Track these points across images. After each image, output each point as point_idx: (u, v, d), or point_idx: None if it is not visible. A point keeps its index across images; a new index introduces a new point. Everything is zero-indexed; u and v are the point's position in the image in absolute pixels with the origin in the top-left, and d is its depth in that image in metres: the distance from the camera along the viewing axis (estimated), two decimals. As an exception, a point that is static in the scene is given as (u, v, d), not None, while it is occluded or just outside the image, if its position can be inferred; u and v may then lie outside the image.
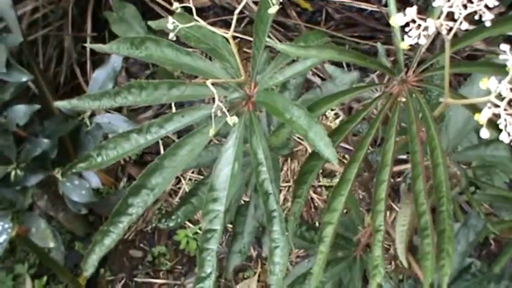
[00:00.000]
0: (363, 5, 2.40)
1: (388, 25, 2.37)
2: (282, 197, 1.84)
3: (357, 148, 0.77)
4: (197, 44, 0.90)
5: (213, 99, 0.77)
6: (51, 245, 1.48)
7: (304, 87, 1.13)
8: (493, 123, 0.60)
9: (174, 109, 2.15)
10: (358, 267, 1.03)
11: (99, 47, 0.96)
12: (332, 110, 1.79)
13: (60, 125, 1.50)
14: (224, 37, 0.87)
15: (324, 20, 2.46)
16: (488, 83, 0.59)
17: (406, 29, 0.64)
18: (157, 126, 0.87)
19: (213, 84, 0.76)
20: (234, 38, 2.24)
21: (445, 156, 0.72)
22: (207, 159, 1.02)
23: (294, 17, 2.39)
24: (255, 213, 1.05)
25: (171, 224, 1.08)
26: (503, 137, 0.58)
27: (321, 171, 1.98)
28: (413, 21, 0.64)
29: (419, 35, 0.63)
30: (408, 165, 0.87)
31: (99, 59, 2.28)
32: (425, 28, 0.63)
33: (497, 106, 0.59)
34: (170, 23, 0.83)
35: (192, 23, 0.83)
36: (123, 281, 1.98)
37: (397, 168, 0.95)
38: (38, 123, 1.58)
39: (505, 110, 0.58)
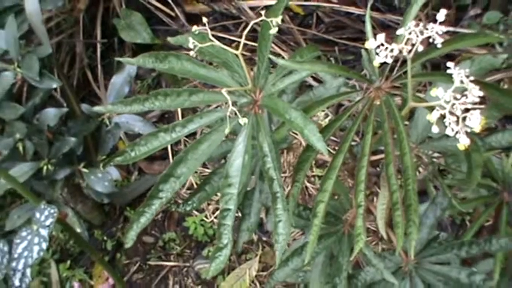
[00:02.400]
0: (351, 9, 2.59)
1: (373, 27, 2.58)
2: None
3: (342, 141, 0.97)
4: (211, 59, 1.08)
5: (223, 103, 0.96)
6: (78, 230, 1.67)
7: (300, 87, 1.32)
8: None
9: (179, 111, 2.33)
10: (346, 241, 1.22)
11: (128, 60, 1.12)
12: (323, 110, 1.99)
13: (83, 125, 1.69)
14: (234, 53, 1.05)
15: (315, 23, 2.64)
16: (437, 91, 0.79)
17: (377, 50, 0.84)
18: (180, 126, 1.05)
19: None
20: (231, 42, 2.45)
21: (410, 146, 0.92)
22: (220, 152, 1.22)
23: (287, 21, 2.58)
24: (259, 197, 1.24)
25: (188, 209, 1.26)
26: (448, 132, 0.78)
27: (314, 162, 2.19)
28: (383, 44, 0.84)
29: (387, 55, 0.83)
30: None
31: (108, 64, 2.47)
32: (391, 50, 0.83)
33: (444, 108, 0.79)
34: (191, 43, 1.01)
35: (208, 43, 1.01)
36: (137, 264, 2.16)
37: (378, 157, 1.15)
38: (61, 124, 1.77)
39: (449, 112, 0.78)
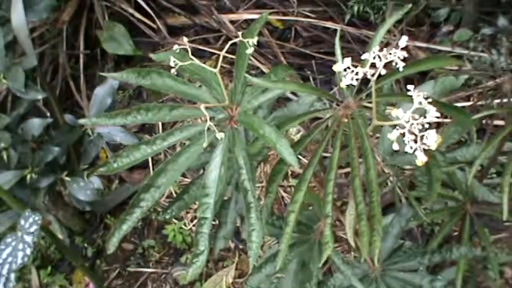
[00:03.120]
0: (328, 24, 2.67)
1: (349, 42, 2.65)
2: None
3: (313, 155, 1.04)
4: (191, 76, 1.14)
5: (202, 118, 1.02)
6: (60, 237, 1.72)
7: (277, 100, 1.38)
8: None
9: (160, 123, 2.39)
10: (317, 248, 1.29)
11: (112, 75, 1.16)
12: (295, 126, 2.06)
13: (67, 134, 1.74)
14: (212, 71, 1.11)
15: (293, 37, 2.72)
16: (397, 112, 0.86)
17: (344, 73, 0.91)
18: (161, 139, 1.10)
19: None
20: (212, 54, 2.51)
21: (375, 161, 0.99)
22: (198, 164, 1.28)
23: (266, 34, 2.64)
24: (235, 206, 1.30)
25: (167, 217, 1.31)
26: (407, 149, 0.86)
27: (290, 173, 2.26)
28: (349, 68, 0.91)
29: (353, 78, 0.90)
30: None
31: (90, 74, 2.52)
32: (357, 73, 0.90)
33: (403, 128, 0.86)
34: (172, 61, 1.06)
35: (189, 62, 1.07)
36: (117, 271, 2.21)
37: (348, 170, 1.22)
38: (44, 134, 1.82)
39: (408, 131, 0.86)
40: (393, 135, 0.85)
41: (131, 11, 2.59)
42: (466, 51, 2.44)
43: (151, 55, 1.27)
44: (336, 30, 2.66)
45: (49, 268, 2.16)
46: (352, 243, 1.23)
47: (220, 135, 1.01)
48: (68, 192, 1.82)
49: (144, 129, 2.51)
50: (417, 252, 1.25)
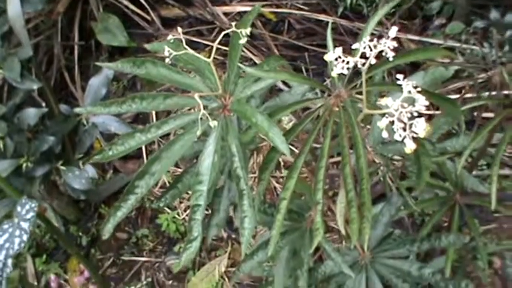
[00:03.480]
0: (321, 17, 2.68)
1: (342, 34, 2.67)
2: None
3: (304, 143, 1.06)
4: (185, 65, 1.15)
5: (196, 107, 1.04)
6: (55, 225, 1.74)
7: (270, 90, 1.40)
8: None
9: (153, 112, 2.41)
10: (308, 236, 1.31)
11: (107, 65, 1.18)
12: (287, 115, 2.08)
13: (62, 124, 1.76)
14: (206, 61, 1.13)
15: (286, 29, 2.74)
16: (386, 100, 0.88)
17: (335, 63, 0.93)
18: (155, 127, 1.12)
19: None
20: (205, 46, 2.53)
21: (365, 150, 1.01)
22: (192, 152, 1.30)
23: (259, 26, 2.66)
24: (228, 194, 1.33)
25: (161, 205, 1.33)
26: (396, 137, 0.88)
27: (283, 164, 2.28)
28: (340, 57, 0.93)
29: (343, 67, 0.92)
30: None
31: (85, 65, 2.54)
32: (347, 63, 0.92)
33: (392, 116, 0.88)
34: (166, 51, 1.09)
35: (183, 51, 1.09)
36: (111, 259, 2.23)
37: (339, 160, 1.24)
38: (39, 123, 1.83)
39: (397, 119, 0.88)
40: (383, 123, 0.87)
41: (126, 2, 2.61)
42: (458, 44, 2.47)
43: (146, 45, 1.28)
44: (328, 22, 2.68)
45: (44, 256, 2.19)
46: (343, 231, 1.25)
47: (213, 123, 1.03)
48: (63, 182, 1.84)
49: (138, 120, 2.53)
50: (406, 240, 1.27)
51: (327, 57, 0.95)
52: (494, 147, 1.38)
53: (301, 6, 2.73)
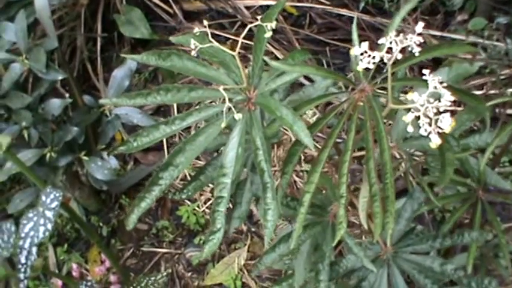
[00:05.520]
0: (343, 11, 2.68)
1: (364, 29, 2.67)
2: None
3: (328, 137, 1.06)
4: (210, 58, 1.16)
5: (219, 100, 1.05)
6: (79, 215, 1.76)
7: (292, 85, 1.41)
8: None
9: (175, 105, 2.42)
10: (331, 230, 1.32)
11: (132, 57, 1.19)
12: (311, 109, 2.09)
13: (85, 115, 1.78)
14: (231, 54, 1.13)
15: (308, 23, 2.73)
16: (413, 95, 0.89)
17: (361, 57, 0.94)
18: (180, 119, 1.12)
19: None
20: (227, 39, 2.55)
21: (389, 144, 1.01)
22: (215, 145, 1.31)
23: (280, 20, 2.66)
24: (251, 187, 1.33)
25: (183, 196, 1.34)
26: (422, 132, 0.88)
27: (303, 158, 2.28)
28: (366, 52, 0.93)
29: (369, 62, 0.93)
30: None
31: (107, 57, 2.56)
32: (373, 57, 0.92)
33: (418, 111, 0.88)
34: (192, 43, 1.09)
35: (208, 44, 1.09)
36: (131, 250, 2.25)
37: (361, 153, 1.24)
38: (62, 114, 1.86)
39: (423, 114, 0.88)
40: (408, 117, 0.88)
41: (148, -5, 2.63)
42: (480, 40, 2.45)
43: (170, 38, 1.28)
44: (350, 17, 2.68)
45: (65, 246, 2.21)
46: (365, 226, 1.26)
47: (238, 116, 1.03)
48: (85, 172, 1.86)
49: (159, 112, 2.55)
50: (429, 235, 1.27)
51: (352, 52, 0.95)
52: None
53: (323, 1, 2.72)
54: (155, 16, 2.66)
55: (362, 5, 2.69)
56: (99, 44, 2.51)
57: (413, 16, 2.53)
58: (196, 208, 2.27)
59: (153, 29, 2.56)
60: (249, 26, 1.09)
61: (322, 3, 2.70)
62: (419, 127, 0.88)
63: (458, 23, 2.68)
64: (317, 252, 1.32)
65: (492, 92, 2.32)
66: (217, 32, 2.55)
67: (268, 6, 2.71)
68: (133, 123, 1.79)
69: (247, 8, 2.67)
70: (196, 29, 1.12)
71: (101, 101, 1.21)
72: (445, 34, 2.53)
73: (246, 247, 2.20)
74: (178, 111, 2.51)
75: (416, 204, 1.30)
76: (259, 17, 1.10)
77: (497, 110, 1.92)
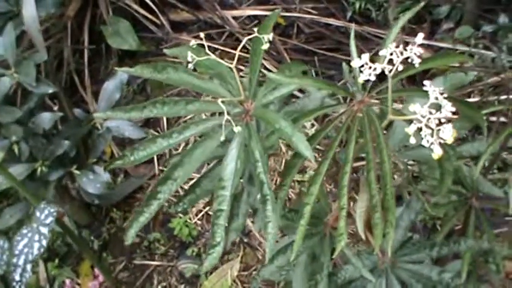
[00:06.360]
0: (330, 21, 2.69)
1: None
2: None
3: (328, 149, 1.06)
4: (206, 70, 1.16)
5: (214, 113, 1.04)
6: (72, 229, 1.74)
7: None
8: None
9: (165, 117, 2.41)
10: (327, 241, 1.32)
11: (127, 70, 1.17)
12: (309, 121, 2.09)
13: (76, 128, 1.76)
14: (228, 66, 1.13)
15: (296, 33, 2.74)
16: (414, 107, 0.89)
17: (362, 69, 0.94)
18: (177, 132, 1.11)
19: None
20: (215, 50, 2.55)
21: (389, 155, 1.01)
22: (210, 157, 1.30)
23: (268, 30, 2.66)
24: (247, 199, 1.33)
25: (179, 209, 1.33)
26: (424, 143, 0.88)
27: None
28: (367, 63, 0.94)
29: (370, 73, 0.93)
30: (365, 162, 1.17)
31: (94, 69, 2.54)
32: (374, 69, 0.93)
33: (420, 122, 0.89)
34: (189, 56, 1.08)
35: (206, 57, 1.09)
36: (123, 263, 2.23)
37: (358, 164, 1.24)
38: (52, 127, 1.83)
39: (425, 125, 0.88)
40: (411, 129, 0.88)
41: (135, 6, 2.61)
42: (467, 48, 2.47)
43: (164, 50, 1.27)
44: (338, 26, 2.69)
45: (56, 261, 2.19)
46: (363, 236, 1.26)
47: (237, 129, 1.03)
48: (77, 186, 1.84)
49: (148, 124, 2.53)
50: (426, 244, 1.27)
51: (353, 64, 0.96)
52: (506, 151, 1.39)
53: (310, 10, 2.74)
54: (142, 27, 2.65)
55: (349, 14, 2.70)
56: (86, 55, 2.49)
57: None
58: (188, 220, 2.26)
59: (140, 40, 2.55)
60: (247, 37, 1.09)
61: (309, 13, 2.71)
62: (421, 138, 0.88)
63: (444, 31, 2.70)
64: (315, 263, 1.31)
65: (477, 99, 2.34)
66: (205, 43, 2.54)
67: (255, 16, 2.72)
68: (124, 136, 1.78)
69: (235, 18, 2.67)
70: (193, 41, 1.11)
71: (96, 115, 1.20)
72: (432, 43, 2.55)
73: (239, 258, 2.20)
74: (167, 123, 2.50)
75: (413, 214, 1.31)
76: (255, 29, 1.11)
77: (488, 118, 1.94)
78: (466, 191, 1.48)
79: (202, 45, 1.10)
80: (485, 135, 1.20)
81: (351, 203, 1.71)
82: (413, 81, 2.33)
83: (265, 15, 2.69)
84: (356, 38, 2.66)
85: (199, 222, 2.26)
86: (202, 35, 1.14)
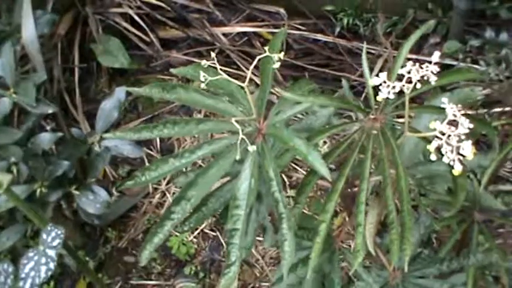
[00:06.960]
0: (318, 36, 2.71)
1: (341, 54, 2.70)
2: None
3: (343, 166, 1.07)
4: (216, 90, 1.16)
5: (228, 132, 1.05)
6: (64, 252, 1.72)
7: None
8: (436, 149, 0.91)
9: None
10: (337, 258, 1.32)
11: (134, 90, 1.17)
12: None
13: (74, 148, 1.75)
14: (239, 85, 1.13)
15: (285, 49, 2.75)
16: (435, 124, 0.90)
17: (380, 87, 0.95)
18: (189, 152, 1.11)
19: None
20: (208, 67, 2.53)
21: (406, 172, 1.03)
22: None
23: (258, 47, 2.68)
24: (256, 217, 1.33)
25: (186, 229, 1.31)
26: (445, 159, 0.89)
27: (288, 183, 2.28)
28: (385, 82, 0.95)
29: (389, 92, 0.94)
30: (374, 178, 1.17)
31: (85, 88, 2.53)
32: (393, 87, 0.94)
33: (440, 139, 0.90)
34: (202, 76, 1.09)
35: (218, 77, 1.09)
36: (119, 284, 2.21)
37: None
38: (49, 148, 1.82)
39: (445, 142, 0.89)
40: (433, 146, 0.89)
41: (124, 24, 2.61)
42: (455, 62, 2.51)
43: (172, 70, 1.26)
44: (326, 42, 2.71)
45: (51, 283, 2.16)
46: (373, 252, 1.27)
47: (252, 147, 1.03)
48: (70, 206, 1.82)
49: (141, 142, 2.52)
50: (436, 259, 1.28)
51: (371, 82, 0.96)
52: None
53: (299, 26, 2.75)
54: (131, 45, 2.64)
55: (338, 29, 2.73)
56: (76, 74, 2.48)
57: (389, 40, 2.57)
58: (184, 239, 2.25)
59: (130, 57, 2.54)
60: (258, 57, 1.10)
61: (298, 29, 2.73)
62: (442, 155, 0.89)
63: (431, 45, 2.73)
64: (325, 280, 1.31)
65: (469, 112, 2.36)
66: (195, 60, 2.55)
67: (244, 33, 2.73)
68: (123, 155, 1.77)
69: (225, 35, 2.68)
70: (204, 61, 1.11)
71: (105, 135, 1.20)
72: (420, 57, 2.58)
73: (237, 276, 2.18)
74: (160, 143, 2.50)
75: (422, 228, 1.32)
76: (267, 48, 1.11)
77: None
78: (468, 205, 1.50)
79: (189, 61, 1.10)
80: (496, 149, 1.22)
81: (346, 218, 1.72)
82: (414, 97, 2.35)
83: (254, 32, 2.71)
84: (346, 54, 2.69)
85: (195, 240, 2.25)
86: (213, 54, 1.14)
